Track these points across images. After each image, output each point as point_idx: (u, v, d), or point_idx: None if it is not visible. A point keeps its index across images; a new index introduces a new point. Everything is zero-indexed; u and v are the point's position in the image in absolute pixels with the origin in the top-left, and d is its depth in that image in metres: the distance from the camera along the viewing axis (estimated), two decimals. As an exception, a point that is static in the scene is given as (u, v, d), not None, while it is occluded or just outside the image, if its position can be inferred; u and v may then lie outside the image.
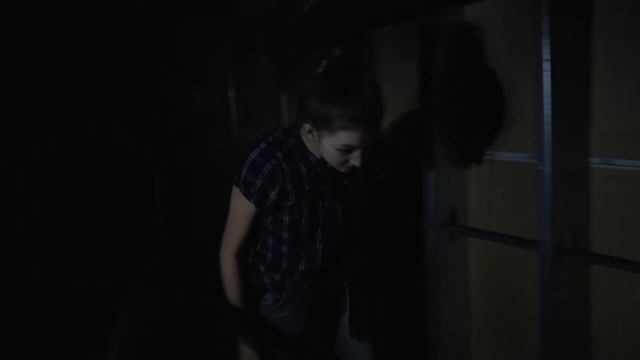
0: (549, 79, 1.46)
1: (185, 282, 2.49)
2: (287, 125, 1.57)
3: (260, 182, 1.43)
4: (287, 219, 1.49)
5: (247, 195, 1.46)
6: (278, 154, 1.44)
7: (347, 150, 1.37)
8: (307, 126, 1.40)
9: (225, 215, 1.54)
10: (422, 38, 1.95)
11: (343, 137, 1.33)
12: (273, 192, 1.45)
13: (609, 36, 1.53)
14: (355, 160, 1.39)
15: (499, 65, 1.84)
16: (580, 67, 1.57)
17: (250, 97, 2.63)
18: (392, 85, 2.03)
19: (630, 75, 1.50)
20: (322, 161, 1.48)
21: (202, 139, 2.52)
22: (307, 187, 1.48)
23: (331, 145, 1.36)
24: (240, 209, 1.50)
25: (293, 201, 1.47)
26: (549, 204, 1.52)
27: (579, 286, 1.65)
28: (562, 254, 1.56)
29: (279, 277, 1.57)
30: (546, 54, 1.46)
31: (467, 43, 1.93)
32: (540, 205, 1.55)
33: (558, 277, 1.57)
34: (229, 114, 2.59)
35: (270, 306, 1.60)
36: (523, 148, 1.79)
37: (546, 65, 1.46)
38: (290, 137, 1.49)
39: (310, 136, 1.42)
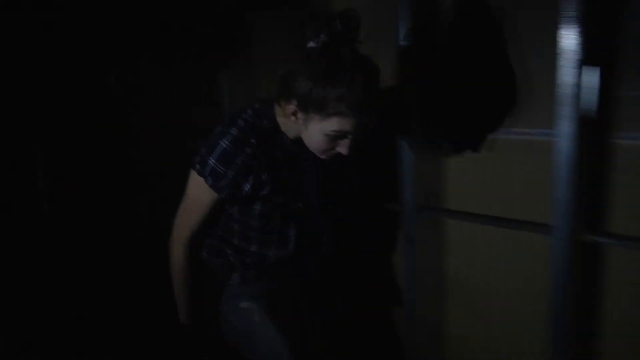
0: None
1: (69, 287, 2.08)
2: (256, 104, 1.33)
3: (233, 174, 1.25)
4: (259, 207, 1.34)
5: (217, 189, 1.28)
6: (252, 140, 1.25)
7: (337, 136, 1.21)
8: (291, 107, 1.21)
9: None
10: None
11: (337, 123, 1.17)
12: (247, 185, 1.27)
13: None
14: (344, 147, 1.24)
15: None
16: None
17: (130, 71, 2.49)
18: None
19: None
20: (297, 143, 1.31)
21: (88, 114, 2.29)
22: (284, 174, 1.32)
23: (320, 130, 1.20)
24: (202, 199, 1.33)
25: (268, 191, 1.30)
26: (411, 167, 1.73)
27: (437, 239, 1.89)
28: (422, 211, 1.78)
29: (248, 260, 1.42)
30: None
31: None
32: (403, 169, 1.74)
33: (420, 231, 1.79)
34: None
35: (238, 284, 1.44)
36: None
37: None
38: (263, 118, 1.29)
39: (292, 118, 1.23)
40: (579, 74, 1.28)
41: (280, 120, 1.30)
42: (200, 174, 1.28)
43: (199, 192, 1.32)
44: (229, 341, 1.48)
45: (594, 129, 1.37)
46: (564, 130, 1.32)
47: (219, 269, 1.45)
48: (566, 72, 1.29)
